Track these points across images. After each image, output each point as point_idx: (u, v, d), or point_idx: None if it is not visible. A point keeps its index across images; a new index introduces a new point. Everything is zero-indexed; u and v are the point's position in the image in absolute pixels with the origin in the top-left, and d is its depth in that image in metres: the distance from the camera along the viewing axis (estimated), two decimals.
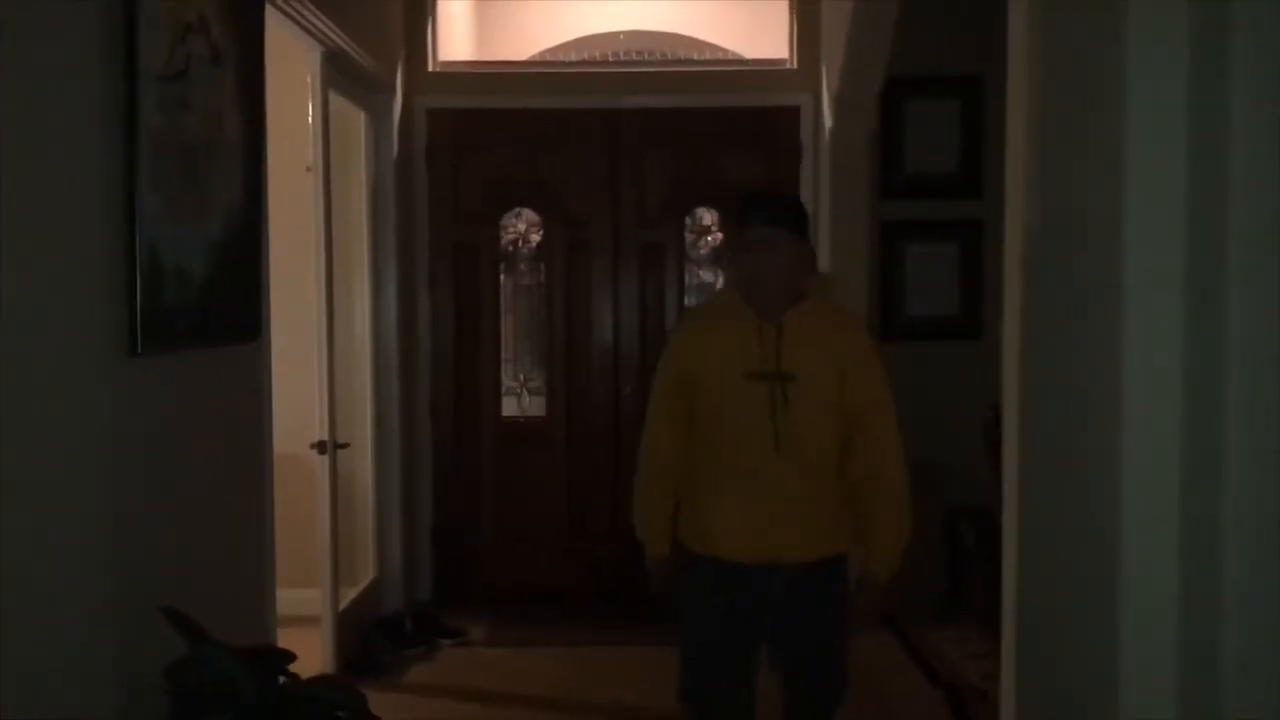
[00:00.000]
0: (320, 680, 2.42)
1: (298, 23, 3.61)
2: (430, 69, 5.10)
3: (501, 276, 5.22)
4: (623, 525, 5.19)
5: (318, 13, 3.64)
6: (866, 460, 2.58)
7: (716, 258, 5.31)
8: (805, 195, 5.09)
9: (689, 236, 5.26)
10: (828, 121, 4.90)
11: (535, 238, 5.21)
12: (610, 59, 5.75)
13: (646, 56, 5.66)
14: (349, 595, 4.35)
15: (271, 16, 3.22)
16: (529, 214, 5.20)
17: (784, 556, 2.56)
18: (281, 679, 2.20)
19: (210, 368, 2.78)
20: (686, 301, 5.26)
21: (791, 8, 5.14)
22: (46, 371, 2.01)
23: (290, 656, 2.29)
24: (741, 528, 2.57)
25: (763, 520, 2.55)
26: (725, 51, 5.65)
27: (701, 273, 5.35)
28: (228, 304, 2.83)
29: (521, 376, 5.34)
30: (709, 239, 5.31)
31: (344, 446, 4.15)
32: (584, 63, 5.55)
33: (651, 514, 2.75)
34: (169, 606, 2.23)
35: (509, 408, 5.27)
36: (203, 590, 2.61)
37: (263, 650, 2.33)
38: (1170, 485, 1.61)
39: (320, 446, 3.97)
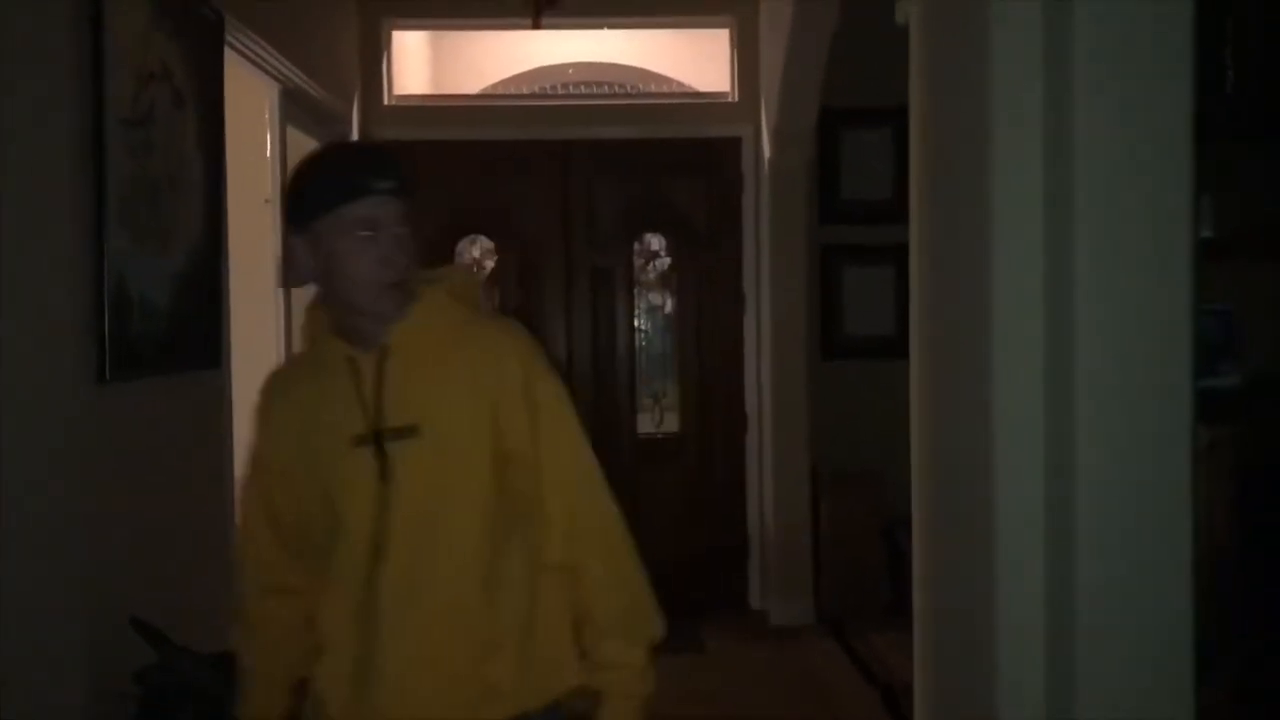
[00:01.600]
0: None
1: (255, 63, 3.78)
2: (386, 102, 5.28)
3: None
4: None
5: (274, 52, 3.82)
6: (561, 552, 1.67)
7: (665, 281, 5.52)
8: (748, 222, 5.35)
9: (638, 261, 5.47)
10: (767, 151, 5.14)
11: (489, 263, 5.40)
12: (560, 90, 5.96)
13: (595, 89, 5.87)
14: None
15: (230, 56, 3.38)
16: (483, 240, 5.39)
17: None
18: None
19: (174, 393, 2.94)
20: (636, 324, 5.48)
21: (732, 42, 5.37)
22: (20, 397, 2.17)
23: None
24: (341, 690, 1.64)
25: (370, 675, 1.61)
26: (671, 83, 5.88)
27: (650, 295, 5.55)
28: (191, 332, 3.00)
29: None
30: (656, 263, 5.52)
31: None
32: (535, 95, 5.76)
33: (245, 660, 1.81)
34: (135, 616, 2.39)
35: None
36: (169, 603, 2.76)
37: (229, 656, 2.49)
38: (1035, 484, 1.82)
39: None
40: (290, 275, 1.65)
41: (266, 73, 3.93)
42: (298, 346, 1.87)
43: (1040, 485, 1.81)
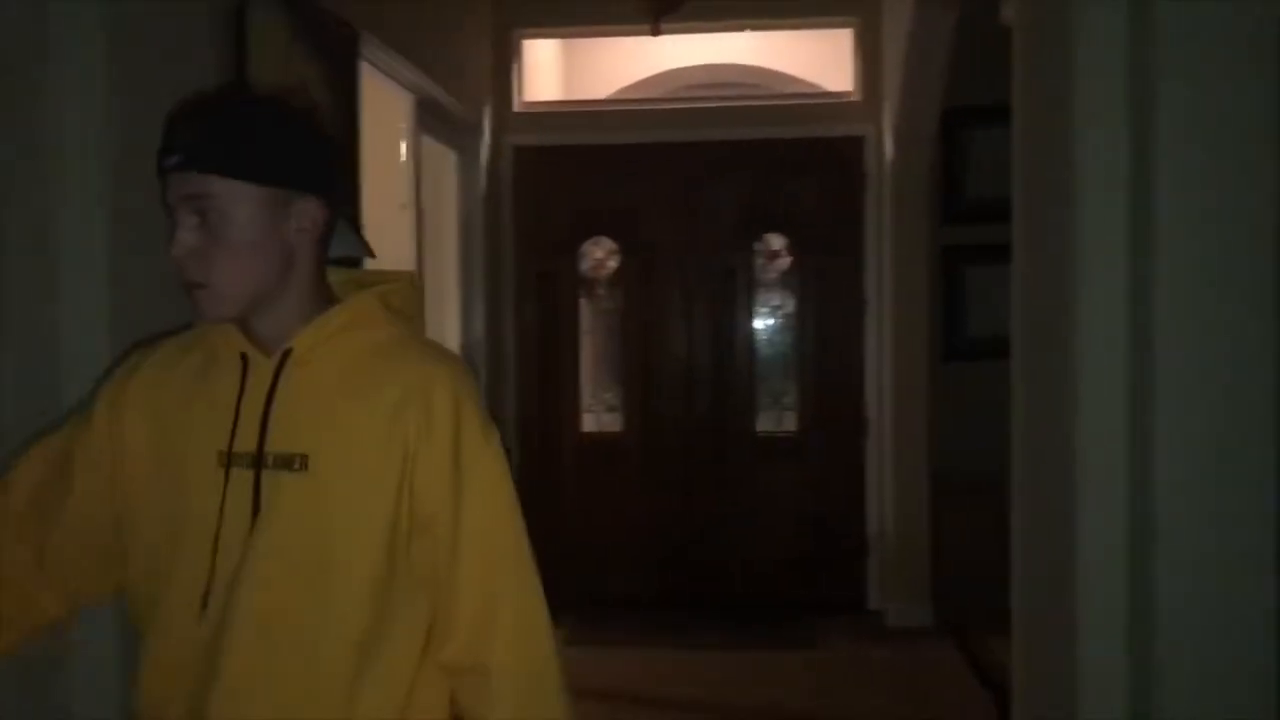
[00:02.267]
0: None
1: (390, 75, 4.01)
2: (516, 109, 5.48)
3: (581, 301, 5.57)
4: (698, 538, 5.47)
5: (409, 65, 4.04)
6: (464, 654, 1.34)
7: (785, 281, 5.57)
8: (870, 222, 5.35)
9: (758, 261, 5.53)
10: (889, 151, 5.13)
11: (612, 264, 5.55)
12: (686, 93, 6.07)
13: (720, 90, 5.96)
14: None
15: (366, 69, 3.60)
16: (607, 242, 5.54)
17: None
18: None
19: None
20: (756, 324, 5.54)
21: (855, 41, 5.39)
22: None
23: None
24: None
25: None
26: (795, 83, 5.92)
27: (771, 295, 5.61)
28: None
29: (599, 394, 5.67)
30: (777, 263, 5.57)
31: None
32: (660, 99, 5.88)
33: None
34: None
35: (589, 424, 5.60)
36: None
37: None
38: (1118, 489, 1.84)
39: None
40: None
41: (401, 85, 4.15)
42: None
43: (1123, 490, 1.83)
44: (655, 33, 4.00)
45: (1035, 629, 2.28)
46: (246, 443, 1.28)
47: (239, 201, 1.26)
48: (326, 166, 1.36)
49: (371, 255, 1.30)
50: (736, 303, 5.50)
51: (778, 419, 5.58)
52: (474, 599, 1.33)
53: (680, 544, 5.44)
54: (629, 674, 4.55)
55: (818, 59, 5.82)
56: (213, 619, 1.27)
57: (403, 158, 4.39)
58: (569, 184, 5.48)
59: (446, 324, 5.00)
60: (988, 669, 4.51)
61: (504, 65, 5.43)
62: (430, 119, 4.55)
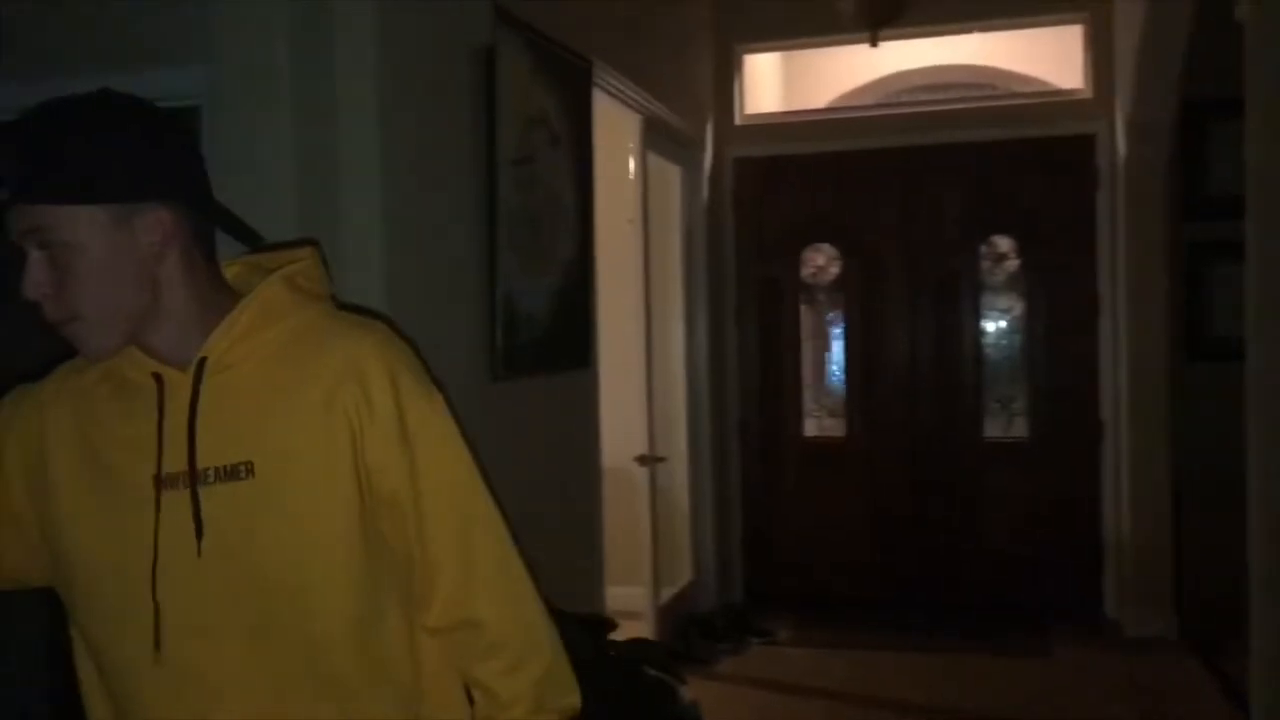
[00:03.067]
0: (633, 642, 2.96)
1: (619, 98, 4.25)
2: (737, 122, 5.64)
3: (801, 307, 5.67)
4: (923, 543, 5.47)
5: (636, 88, 4.27)
6: (447, 615, 1.32)
7: (1013, 283, 5.48)
8: (1102, 221, 5.20)
9: (984, 264, 5.47)
10: (1122, 148, 4.98)
11: (833, 270, 5.62)
12: (907, 97, 6.06)
13: (943, 92, 5.92)
14: (668, 593, 4.92)
15: (597, 93, 3.84)
16: (827, 248, 5.61)
17: None
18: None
19: (551, 391, 3.42)
20: (983, 327, 5.48)
21: (1086, 37, 5.25)
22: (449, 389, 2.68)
23: (613, 624, 2.85)
24: None
25: None
26: (1022, 80, 5.81)
27: (997, 298, 5.53)
28: (565, 338, 3.47)
29: (821, 399, 5.74)
30: (1004, 265, 5.49)
31: (662, 460, 4.73)
32: (879, 105, 5.91)
33: None
34: None
35: (810, 428, 5.69)
36: (549, 574, 3.23)
37: (592, 617, 2.90)
38: None
39: (642, 459, 4.57)
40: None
41: (630, 106, 4.39)
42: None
43: None
44: (873, 44, 4.06)
45: (1275, 642, 2.24)
46: (178, 462, 1.21)
47: (77, 227, 1.16)
48: (168, 169, 1.22)
49: (259, 240, 1.14)
50: (961, 306, 5.45)
51: (1006, 424, 5.49)
52: (448, 558, 1.30)
53: (905, 549, 5.45)
54: (851, 675, 4.61)
55: (1046, 56, 5.70)
56: (174, 658, 1.21)
57: (631, 175, 4.63)
58: (790, 192, 5.59)
59: (671, 332, 5.22)
60: (1234, 684, 4.30)
61: (725, 80, 5.60)
62: (656, 136, 4.77)
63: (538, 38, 3.18)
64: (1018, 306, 5.47)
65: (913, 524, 5.45)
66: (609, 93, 4.08)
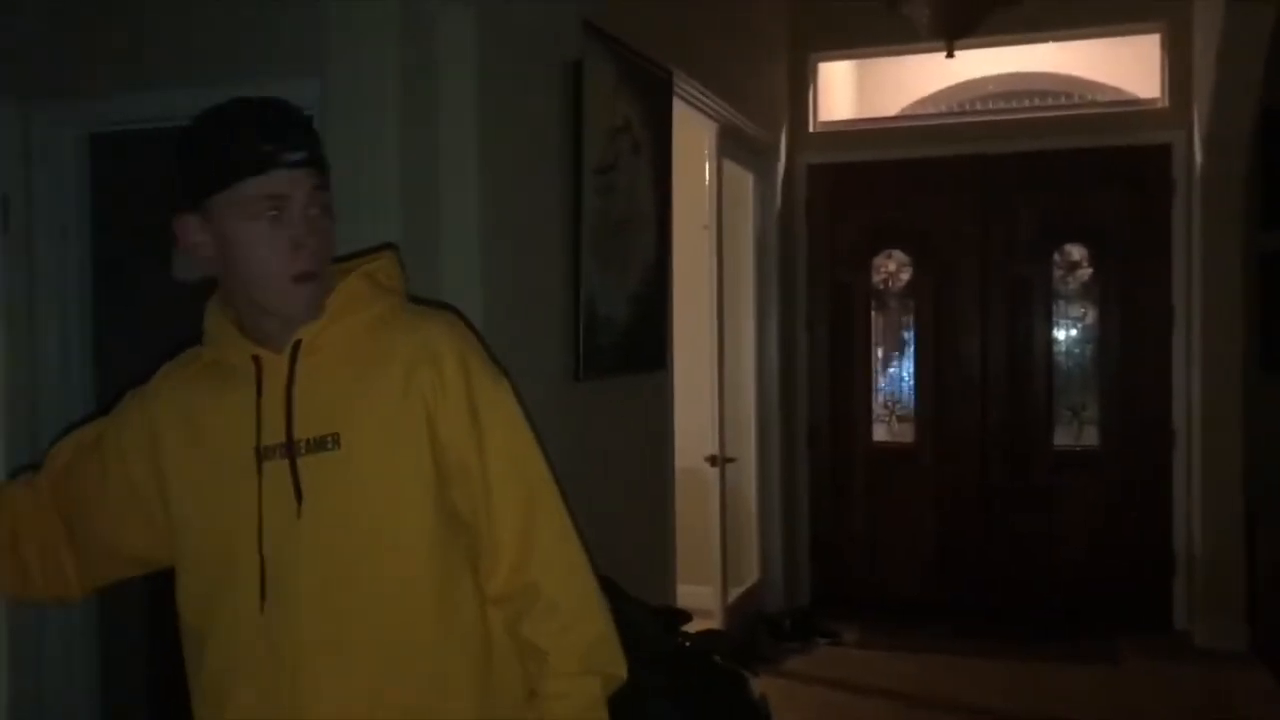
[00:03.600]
0: (705, 633, 3.06)
1: (697, 107, 4.35)
2: (811, 129, 5.71)
3: (873, 313, 5.72)
4: (991, 549, 5.48)
5: (713, 95, 4.37)
6: (510, 582, 1.43)
7: (1086, 292, 5.48)
8: (1177, 231, 5.18)
9: (1057, 272, 5.48)
10: (1198, 158, 4.96)
11: (905, 276, 5.66)
12: (980, 105, 6.08)
13: (1017, 99, 5.93)
14: (735, 592, 4.99)
15: (676, 101, 3.95)
16: (899, 255, 5.66)
17: None
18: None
19: (629, 391, 3.54)
20: (1055, 336, 5.48)
21: (1163, 46, 5.23)
22: (530, 389, 2.80)
23: (687, 616, 2.95)
24: None
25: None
26: (1100, 87, 5.80)
27: (1070, 306, 5.53)
28: (641, 341, 3.58)
29: (890, 405, 5.79)
30: (1077, 274, 5.49)
31: (732, 461, 4.82)
32: (952, 113, 5.93)
33: None
34: (600, 576, 2.96)
35: (879, 434, 5.74)
36: (622, 561, 3.34)
37: (665, 610, 3.00)
38: None
39: (712, 460, 4.66)
40: (179, 265, 1.50)
41: (707, 114, 4.49)
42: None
43: None
44: (949, 55, 4.11)
45: None
46: (275, 435, 1.36)
47: (331, 201, 1.40)
48: None
49: None
50: (1033, 314, 5.47)
51: (1077, 433, 5.49)
52: (513, 527, 1.42)
53: (972, 555, 5.47)
54: (917, 677, 4.65)
55: (1123, 64, 5.68)
56: (274, 611, 1.34)
57: (706, 181, 4.73)
58: (862, 199, 5.65)
59: (743, 336, 5.30)
60: None
61: (800, 88, 5.68)
62: (731, 144, 4.87)
63: (622, 50, 3.30)
64: (1090, 315, 5.47)
65: (981, 530, 5.47)
66: (687, 101, 4.19)
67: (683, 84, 3.99)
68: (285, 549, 1.35)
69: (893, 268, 5.69)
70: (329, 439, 1.36)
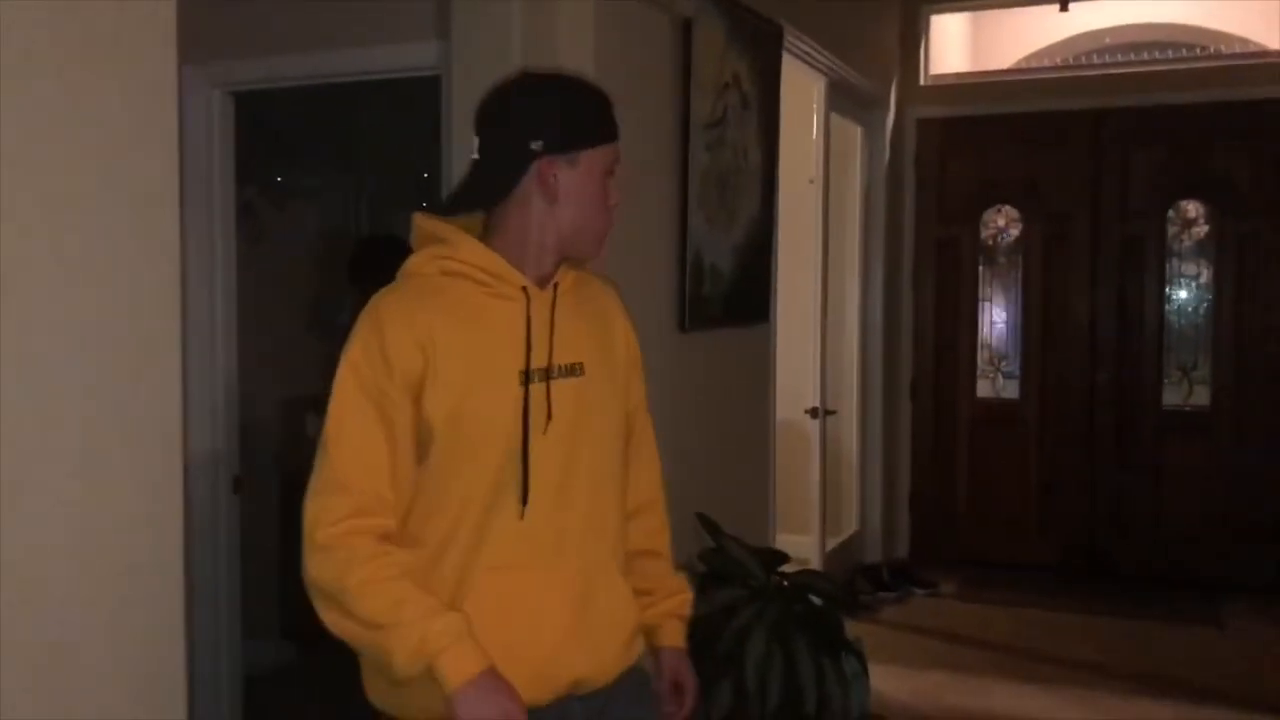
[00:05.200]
0: (803, 572, 3.17)
1: (806, 61, 4.38)
2: (921, 83, 5.68)
3: (980, 268, 5.70)
4: (1094, 508, 5.46)
5: (822, 50, 4.39)
6: (640, 488, 1.76)
7: (1201, 249, 5.38)
8: None
9: (1171, 229, 5.38)
10: None
11: (1014, 231, 5.62)
12: (1097, 58, 5.95)
13: (1133, 54, 5.79)
14: (834, 542, 5.09)
15: (785, 55, 3.99)
16: (1009, 210, 5.62)
17: (591, 676, 1.60)
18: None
19: (732, 343, 3.64)
20: (1167, 294, 5.40)
21: None
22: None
23: (785, 557, 3.07)
24: (526, 641, 1.54)
25: (558, 623, 1.56)
26: (1221, 38, 5.63)
27: (1184, 264, 5.43)
28: (746, 293, 3.68)
29: (996, 361, 5.78)
30: (1193, 231, 5.39)
31: (832, 414, 4.89)
32: (1066, 67, 5.83)
33: (406, 604, 1.46)
34: (700, 512, 3.09)
35: (983, 389, 5.74)
36: (724, 504, 3.46)
37: (764, 550, 3.13)
38: None
39: (813, 412, 4.74)
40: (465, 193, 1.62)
41: (815, 69, 4.52)
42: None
43: None
44: (1064, 7, 4.07)
45: None
46: (539, 359, 1.57)
47: None
48: None
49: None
50: (1145, 272, 5.38)
51: (1186, 392, 5.41)
52: (647, 452, 1.79)
53: (1076, 513, 5.46)
54: (1014, 630, 4.70)
55: (1247, 13, 5.50)
56: (533, 510, 1.54)
57: (813, 135, 4.76)
58: (972, 154, 5.61)
59: (847, 290, 5.35)
60: None
61: (911, 41, 5.64)
62: (839, 97, 4.88)
63: (732, 6, 3.37)
64: (1205, 273, 5.36)
65: (1084, 490, 5.45)
66: (796, 55, 4.23)
67: (792, 38, 4.03)
68: (542, 460, 1.55)
69: (1002, 223, 5.66)
70: (576, 366, 1.61)
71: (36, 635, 1.35)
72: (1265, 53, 5.22)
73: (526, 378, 1.55)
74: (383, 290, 1.59)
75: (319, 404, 1.61)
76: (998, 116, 5.54)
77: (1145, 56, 5.66)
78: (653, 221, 3.04)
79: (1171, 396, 5.40)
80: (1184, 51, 5.67)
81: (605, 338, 1.69)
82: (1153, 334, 5.38)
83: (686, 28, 3.10)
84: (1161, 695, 3.98)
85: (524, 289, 1.57)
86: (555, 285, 1.61)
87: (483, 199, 1.60)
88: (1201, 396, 5.36)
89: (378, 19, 2.79)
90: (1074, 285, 5.49)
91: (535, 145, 1.54)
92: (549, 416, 1.56)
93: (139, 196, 1.48)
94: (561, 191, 1.56)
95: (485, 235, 1.60)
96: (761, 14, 3.61)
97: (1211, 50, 5.53)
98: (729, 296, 3.52)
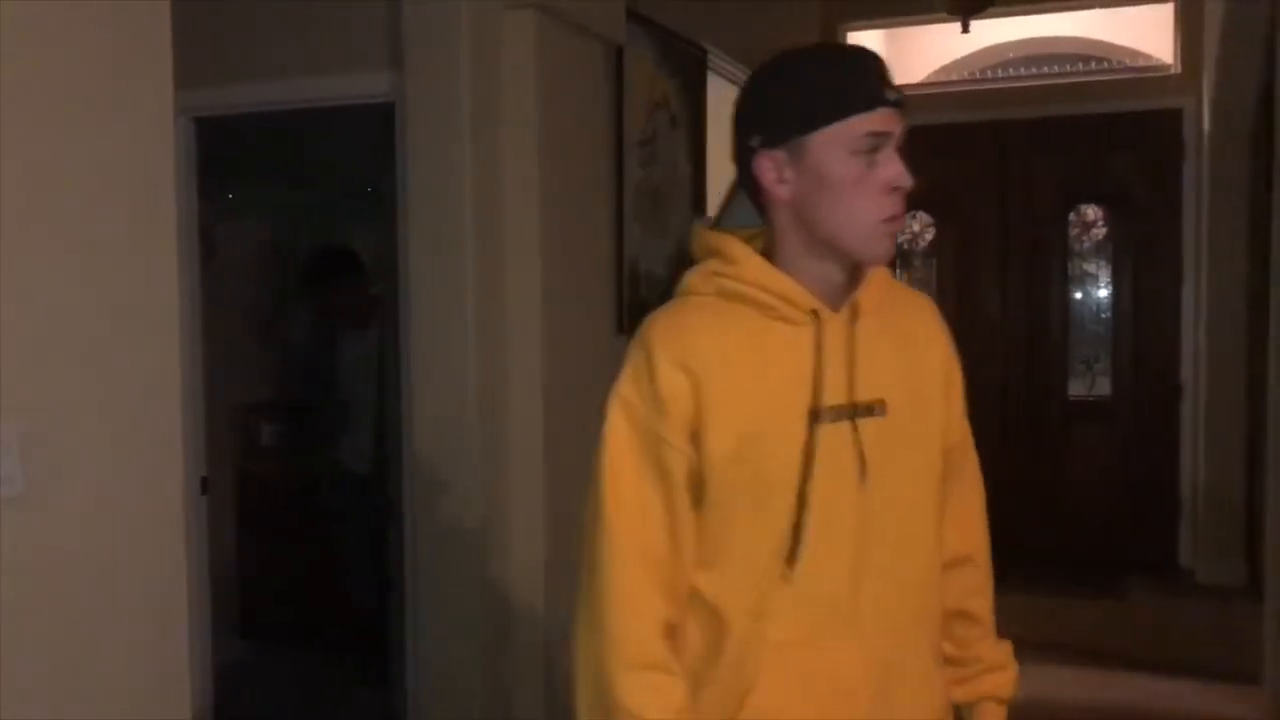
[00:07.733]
0: None
1: (730, 80, 4.66)
2: None
3: (898, 272, 6.04)
4: (1007, 491, 5.85)
5: (746, 69, 4.67)
6: (955, 539, 1.47)
7: (1100, 250, 5.77)
8: (1188, 194, 5.45)
9: (1072, 232, 5.77)
10: (1206, 124, 5.22)
11: (928, 237, 5.97)
12: (1002, 70, 6.33)
13: (1034, 67, 6.17)
14: None
15: (710, 76, 4.27)
16: (923, 216, 5.97)
17: None
18: None
19: None
20: (1070, 293, 5.78)
21: (1176, 13, 5.47)
22: (577, 340, 3.18)
23: None
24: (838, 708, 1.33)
25: (867, 688, 1.34)
26: (1117, 50, 6.03)
27: (1085, 265, 5.83)
28: None
29: None
30: (1092, 233, 5.78)
31: None
32: (972, 80, 6.20)
33: (658, 689, 1.30)
34: None
35: None
36: None
37: None
38: None
39: None
40: (738, 211, 1.44)
41: (739, 87, 4.79)
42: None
43: None
44: (965, 29, 4.41)
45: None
46: (834, 396, 1.29)
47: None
48: None
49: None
50: (1050, 273, 5.77)
51: (1090, 384, 5.80)
52: (970, 500, 1.49)
53: (990, 495, 5.79)
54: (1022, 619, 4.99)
55: (1134, 33, 5.90)
56: (803, 572, 1.28)
57: None
58: None
59: None
60: None
61: None
62: None
63: (661, 32, 3.64)
64: (1104, 274, 5.76)
65: (997, 475, 5.78)
66: (721, 75, 4.51)
67: (718, 60, 4.30)
68: (858, 515, 1.30)
69: (917, 228, 6.00)
70: (875, 405, 1.31)
71: (54, 638, 1.49)
72: (1156, 65, 5.62)
73: (814, 417, 1.28)
74: (655, 313, 1.40)
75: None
76: (911, 128, 5.84)
77: (1045, 70, 6.05)
78: (591, 232, 3.29)
79: (1077, 388, 5.78)
80: (1079, 66, 6.06)
81: (916, 366, 1.37)
82: (1058, 329, 5.76)
83: (619, 54, 3.36)
84: (1066, 661, 4.32)
85: (814, 311, 1.31)
86: (854, 306, 1.33)
87: (742, 208, 1.41)
88: (1103, 388, 5.75)
89: (331, 51, 3.01)
90: (985, 284, 5.85)
91: (753, 142, 1.34)
92: (862, 464, 1.29)
93: (140, 218, 1.70)
94: (799, 187, 1.30)
95: (768, 249, 1.36)
96: (687, 38, 3.88)
97: (1108, 64, 5.94)
98: (664, 300, 3.77)
